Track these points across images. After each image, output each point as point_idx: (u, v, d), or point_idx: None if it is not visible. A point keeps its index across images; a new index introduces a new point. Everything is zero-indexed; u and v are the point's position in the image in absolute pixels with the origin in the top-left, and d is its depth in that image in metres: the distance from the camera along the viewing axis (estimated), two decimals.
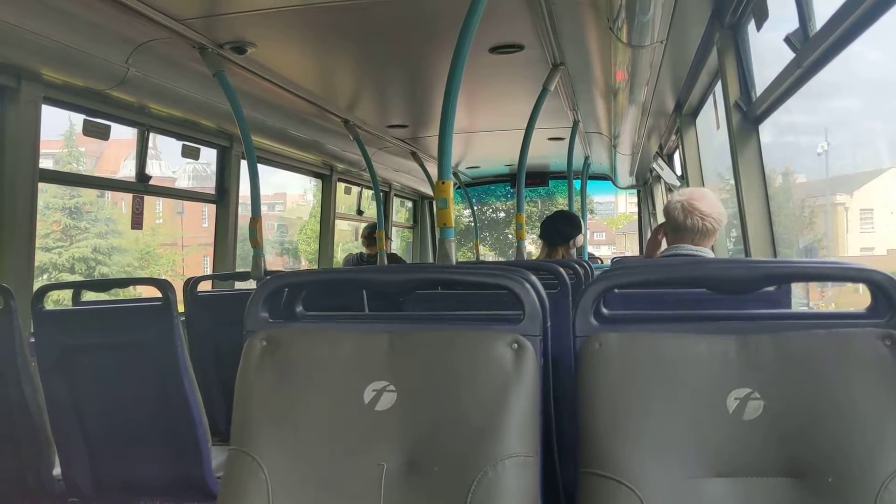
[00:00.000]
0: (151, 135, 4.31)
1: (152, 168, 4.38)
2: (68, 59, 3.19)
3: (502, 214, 24.24)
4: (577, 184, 7.17)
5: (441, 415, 1.39)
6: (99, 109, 3.80)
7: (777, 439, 1.29)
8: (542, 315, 1.46)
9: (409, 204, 9.63)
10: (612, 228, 33.71)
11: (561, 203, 12.36)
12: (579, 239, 4.46)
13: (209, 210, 4.75)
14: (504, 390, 1.38)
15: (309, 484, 1.40)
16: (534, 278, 1.54)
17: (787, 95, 2.81)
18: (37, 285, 3.11)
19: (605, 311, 1.51)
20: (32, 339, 2.82)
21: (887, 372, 1.29)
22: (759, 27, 2.91)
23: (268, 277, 1.63)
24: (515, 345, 1.41)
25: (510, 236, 25.89)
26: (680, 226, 2.87)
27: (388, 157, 6.97)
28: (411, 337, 1.47)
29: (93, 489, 2.83)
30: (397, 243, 9.71)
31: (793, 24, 2.52)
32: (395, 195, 8.65)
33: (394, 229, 9.27)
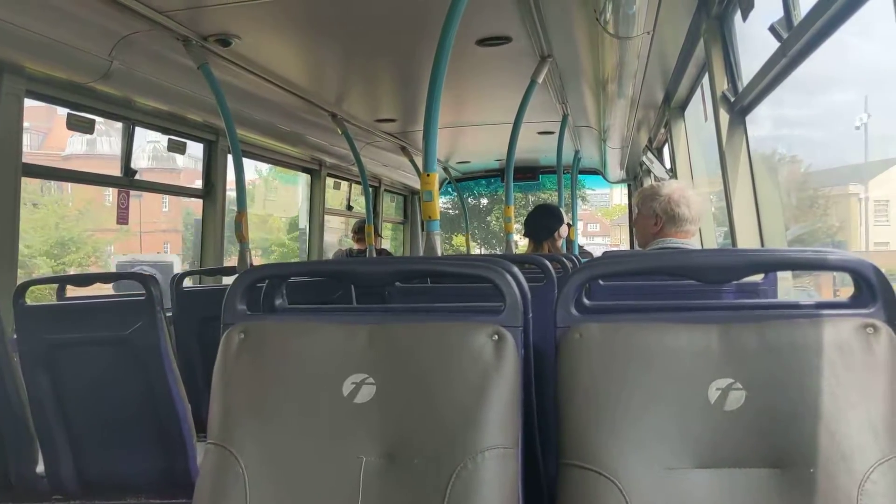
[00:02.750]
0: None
1: (102, 145, 4.29)
2: (51, 52, 3.16)
3: (484, 201, 23.69)
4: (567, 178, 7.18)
5: (420, 407, 1.38)
6: (83, 103, 3.76)
7: (758, 430, 1.28)
8: (522, 306, 1.44)
9: (400, 200, 9.60)
10: (606, 220, 33.50)
11: (544, 196, 12.33)
12: (563, 229, 4.47)
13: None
14: (484, 382, 1.36)
15: (287, 477, 1.38)
16: (515, 269, 1.52)
17: (773, 85, 2.80)
18: None
19: (586, 301, 1.49)
20: (14, 336, 2.79)
21: (870, 361, 1.28)
22: (744, 17, 2.90)
23: (246, 270, 1.61)
24: (496, 336, 1.39)
25: (492, 224, 25.45)
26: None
27: (378, 151, 6.94)
28: (391, 329, 1.45)
29: (77, 486, 2.81)
30: (390, 242, 9.68)
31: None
32: (386, 190, 8.62)
33: (388, 228, 9.26)
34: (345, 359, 1.43)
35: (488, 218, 25.33)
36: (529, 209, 5.41)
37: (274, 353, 1.46)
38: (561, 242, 4.50)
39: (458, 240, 20.53)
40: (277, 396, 1.42)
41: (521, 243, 5.92)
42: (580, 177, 9.76)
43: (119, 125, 4.20)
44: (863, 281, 1.35)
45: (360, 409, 1.40)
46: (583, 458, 1.30)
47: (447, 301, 2.27)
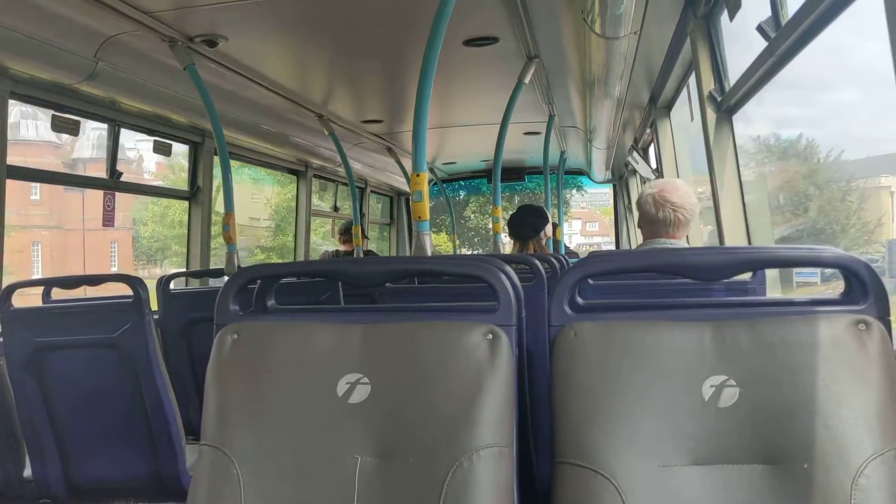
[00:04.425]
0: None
1: (28, 129, 4.13)
2: (35, 53, 3.13)
3: (462, 193, 22.90)
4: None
5: (415, 406, 1.37)
6: (68, 105, 3.73)
7: (752, 426, 1.29)
8: (516, 305, 1.44)
9: (386, 201, 9.60)
10: (605, 218, 32.91)
11: (530, 192, 12.36)
12: (548, 229, 4.49)
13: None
14: (478, 381, 1.36)
15: (282, 478, 1.38)
16: (508, 268, 1.53)
17: (760, 84, 2.82)
18: None
19: (580, 300, 1.50)
20: (1, 339, 2.77)
21: (862, 357, 1.29)
22: (731, 17, 2.91)
23: (238, 270, 1.60)
24: (490, 335, 1.39)
25: (470, 219, 24.71)
26: (652, 218, 2.89)
27: (364, 153, 6.93)
28: (385, 329, 1.45)
29: (65, 490, 2.79)
30: (377, 244, 9.68)
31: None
32: (372, 192, 8.62)
33: (374, 230, 9.25)
34: (339, 359, 1.43)
35: (465, 212, 23.94)
36: (514, 208, 5.40)
37: (267, 353, 1.45)
38: (545, 241, 4.52)
39: (435, 238, 19.93)
40: (272, 397, 1.42)
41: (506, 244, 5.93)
42: (577, 177, 9.81)
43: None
44: (854, 278, 1.36)
45: (354, 409, 1.39)
46: (578, 457, 1.30)
47: (437, 301, 2.28)
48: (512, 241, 4.63)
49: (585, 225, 32.91)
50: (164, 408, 2.67)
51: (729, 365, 1.32)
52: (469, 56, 4.02)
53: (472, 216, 24.30)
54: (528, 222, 4.44)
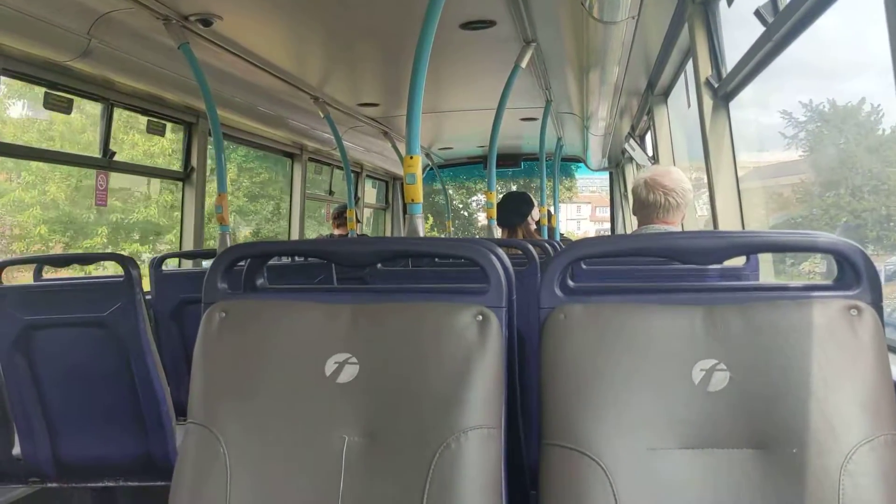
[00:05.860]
0: None
1: None
2: (28, 30, 3.10)
3: (460, 177, 21.94)
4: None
5: (404, 387, 1.36)
6: (61, 83, 3.71)
7: (742, 410, 1.28)
8: (507, 287, 1.43)
9: (381, 185, 9.58)
10: None
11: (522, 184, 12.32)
12: (535, 213, 4.50)
13: None
14: (468, 362, 1.35)
15: (269, 457, 1.37)
16: (500, 250, 1.52)
17: (758, 70, 2.81)
18: None
19: (571, 283, 1.49)
20: None
21: (853, 343, 1.28)
22: (730, 3, 2.90)
23: (227, 248, 1.59)
24: (480, 316, 1.38)
25: (456, 198, 24.32)
26: (644, 202, 2.91)
27: (360, 136, 6.91)
28: (374, 309, 1.44)
29: (54, 469, 2.78)
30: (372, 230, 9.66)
31: None
32: (367, 176, 8.60)
33: (369, 215, 9.24)
34: (328, 338, 1.42)
35: (450, 190, 23.26)
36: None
37: (256, 332, 1.44)
38: (534, 227, 4.53)
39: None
40: (259, 376, 1.41)
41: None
42: (573, 164, 9.82)
43: None
44: (847, 263, 1.35)
45: (342, 388, 1.38)
46: (565, 438, 1.29)
47: (429, 283, 2.27)
48: (500, 229, 4.63)
49: (596, 210, 32.41)
50: (153, 387, 2.66)
51: (719, 349, 1.31)
52: (466, 39, 4.00)
53: (455, 195, 23.99)
54: (514, 209, 4.46)
